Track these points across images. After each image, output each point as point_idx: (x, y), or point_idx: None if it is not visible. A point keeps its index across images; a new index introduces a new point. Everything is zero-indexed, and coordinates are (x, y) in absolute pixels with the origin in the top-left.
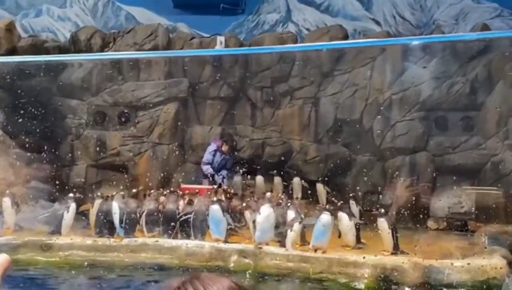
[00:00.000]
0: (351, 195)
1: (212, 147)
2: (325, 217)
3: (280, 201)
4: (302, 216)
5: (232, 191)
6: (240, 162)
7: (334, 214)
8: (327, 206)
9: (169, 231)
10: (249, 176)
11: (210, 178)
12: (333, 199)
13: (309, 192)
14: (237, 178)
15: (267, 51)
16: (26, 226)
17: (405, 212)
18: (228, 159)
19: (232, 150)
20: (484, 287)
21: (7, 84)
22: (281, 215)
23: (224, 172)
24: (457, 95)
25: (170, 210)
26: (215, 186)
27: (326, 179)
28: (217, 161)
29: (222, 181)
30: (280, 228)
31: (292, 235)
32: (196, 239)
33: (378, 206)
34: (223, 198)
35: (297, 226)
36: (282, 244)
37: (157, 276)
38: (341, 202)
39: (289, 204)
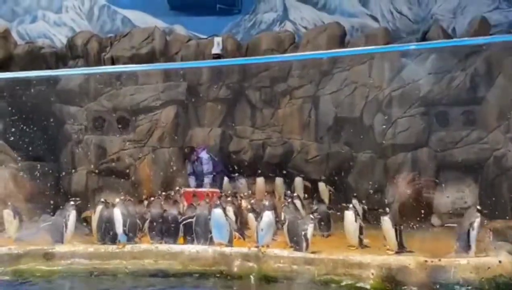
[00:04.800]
0: (354, 194)
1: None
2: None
3: (282, 201)
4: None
5: (236, 195)
6: (234, 164)
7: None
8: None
9: (172, 236)
10: (249, 178)
11: (195, 177)
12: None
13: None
14: (242, 181)
15: (263, 61)
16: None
17: (409, 210)
18: (208, 163)
19: (191, 157)
20: (492, 283)
21: (5, 92)
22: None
23: (209, 177)
24: (457, 89)
25: (171, 215)
26: (217, 189)
27: (328, 178)
28: (199, 170)
29: (208, 184)
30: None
31: (309, 238)
32: (199, 244)
33: (381, 204)
34: (229, 201)
35: (311, 228)
36: (296, 248)
37: (161, 282)
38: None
39: (286, 203)
